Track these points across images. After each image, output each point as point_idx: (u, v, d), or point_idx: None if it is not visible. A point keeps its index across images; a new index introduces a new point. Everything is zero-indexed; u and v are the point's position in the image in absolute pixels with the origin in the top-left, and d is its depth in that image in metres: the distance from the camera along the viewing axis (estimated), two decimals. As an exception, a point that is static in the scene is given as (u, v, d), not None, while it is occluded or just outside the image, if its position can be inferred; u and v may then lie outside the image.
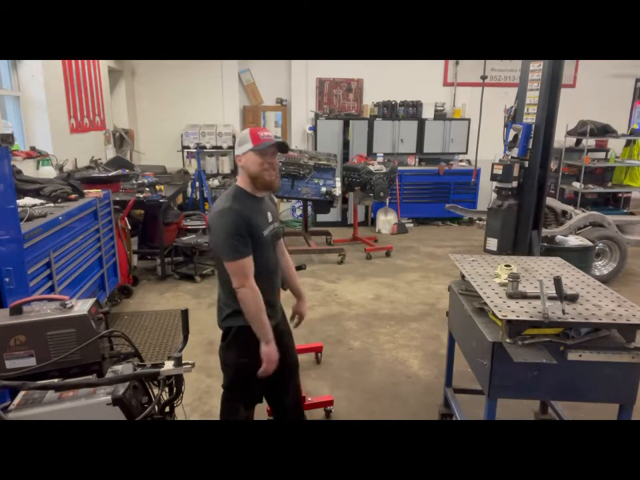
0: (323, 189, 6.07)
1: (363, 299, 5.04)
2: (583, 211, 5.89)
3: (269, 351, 2.15)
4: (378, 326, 4.41)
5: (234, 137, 7.68)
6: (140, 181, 5.70)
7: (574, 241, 5.04)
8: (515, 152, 4.20)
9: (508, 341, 2.00)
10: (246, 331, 2.18)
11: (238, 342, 2.22)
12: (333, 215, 7.58)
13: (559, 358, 1.98)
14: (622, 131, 8.22)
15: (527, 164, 4.16)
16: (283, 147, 2.21)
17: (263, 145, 2.10)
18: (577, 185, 7.92)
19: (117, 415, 1.61)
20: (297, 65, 8.06)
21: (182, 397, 1.82)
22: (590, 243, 5.00)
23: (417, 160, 8.34)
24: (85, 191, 4.23)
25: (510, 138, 4.23)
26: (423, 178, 8.16)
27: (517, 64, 5.57)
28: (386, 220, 7.94)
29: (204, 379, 3.47)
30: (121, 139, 7.31)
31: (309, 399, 3.08)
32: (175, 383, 1.78)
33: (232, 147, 7.69)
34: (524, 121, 4.16)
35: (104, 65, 6.71)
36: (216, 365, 3.71)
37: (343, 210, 8.09)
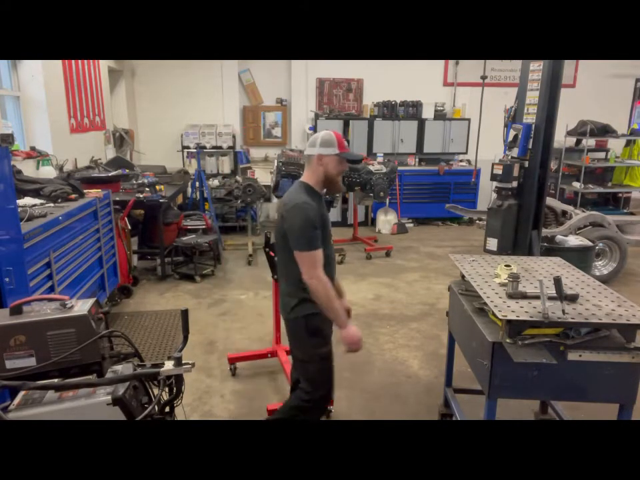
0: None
1: (363, 299, 5.04)
2: (583, 211, 5.89)
3: (349, 334, 2.19)
4: (378, 326, 4.41)
5: (234, 136, 7.68)
6: (140, 181, 5.70)
7: (574, 240, 5.04)
8: (515, 152, 4.19)
9: (508, 341, 2.00)
10: (317, 317, 2.22)
11: (312, 330, 2.24)
12: (333, 215, 7.58)
13: (558, 358, 1.98)
14: (622, 131, 8.22)
15: (527, 164, 4.16)
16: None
17: (349, 154, 2.28)
18: (577, 185, 7.91)
19: (117, 415, 1.62)
20: (297, 64, 8.06)
21: (182, 397, 1.82)
22: (590, 243, 5.00)
23: (417, 160, 8.34)
24: (85, 190, 4.23)
25: (510, 138, 4.23)
26: (423, 178, 8.17)
27: (517, 64, 5.57)
28: (386, 220, 7.94)
29: (204, 379, 3.47)
30: (121, 139, 7.31)
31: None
32: (175, 383, 1.78)
33: (232, 147, 7.69)
34: (524, 121, 4.16)
35: (104, 65, 6.71)
36: (216, 365, 3.76)
37: (343, 210, 8.09)
